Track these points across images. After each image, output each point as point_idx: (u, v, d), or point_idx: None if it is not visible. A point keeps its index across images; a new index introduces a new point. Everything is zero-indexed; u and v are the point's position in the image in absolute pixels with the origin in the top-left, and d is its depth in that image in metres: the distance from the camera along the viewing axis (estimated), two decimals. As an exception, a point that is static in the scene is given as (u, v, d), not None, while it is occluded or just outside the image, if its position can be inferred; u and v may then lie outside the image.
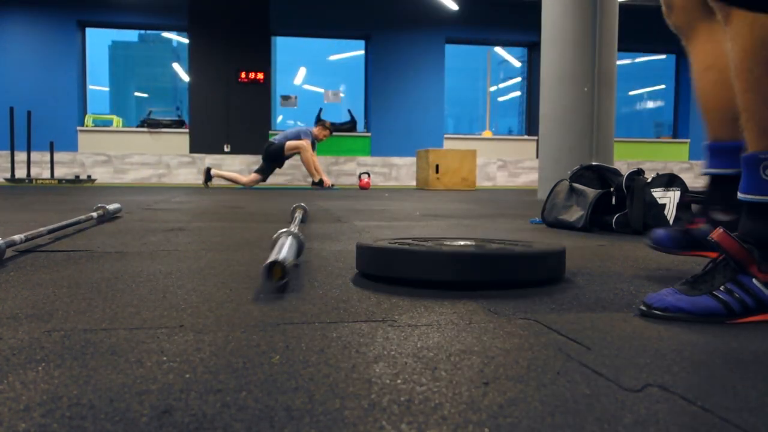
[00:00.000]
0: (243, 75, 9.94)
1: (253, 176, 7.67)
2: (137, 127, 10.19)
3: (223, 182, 8.17)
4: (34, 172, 9.31)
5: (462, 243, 1.38)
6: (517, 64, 14.63)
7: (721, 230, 0.97)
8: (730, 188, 1.15)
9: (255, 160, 9.23)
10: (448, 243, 1.38)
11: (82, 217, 2.33)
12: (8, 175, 8.98)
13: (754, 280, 0.94)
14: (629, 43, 9.35)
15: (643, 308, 0.98)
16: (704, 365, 0.72)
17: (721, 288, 0.94)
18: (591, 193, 2.46)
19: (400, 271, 1.20)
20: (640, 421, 0.55)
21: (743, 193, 1.00)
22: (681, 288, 0.97)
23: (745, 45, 0.97)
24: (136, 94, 36.20)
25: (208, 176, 7.62)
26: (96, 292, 1.12)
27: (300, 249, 1.43)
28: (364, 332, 0.85)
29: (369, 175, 8.10)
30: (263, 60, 10.07)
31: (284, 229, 1.43)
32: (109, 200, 4.11)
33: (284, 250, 1.22)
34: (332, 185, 8.03)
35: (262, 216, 3.03)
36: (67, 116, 9.77)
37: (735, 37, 0.99)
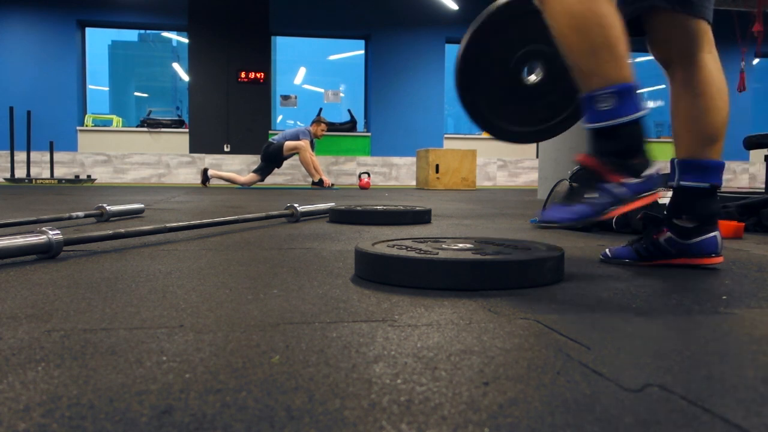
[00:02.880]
0: (243, 75, 9.94)
1: (251, 176, 7.68)
2: (137, 126, 10.18)
3: (222, 182, 8.17)
4: (33, 171, 9.31)
5: (461, 245, 1.38)
6: (517, 64, 14.65)
7: (583, 154, 1.26)
8: (701, 200, 1.43)
9: (255, 160, 9.23)
10: (447, 245, 1.38)
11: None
12: (8, 175, 8.98)
13: (610, 184, 1.24)
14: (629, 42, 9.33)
15: (540, 224, 1.28)
16: (704, 365, 0.72)
17: (590, 196, 1.24)
18: (591, 193, 2.47)
19: (396, 279, 1.20)
20: (640, 421, 0.55)
21: (588, 123, 1.26)
22: (559, 203, 1.28)
23: (558, 17, 1.26)
24: (136, 93, 36.16)
25: (205, 177, 7.63)
26: (96, 292, 1.12)
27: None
28: (364, 332, 0.85)
29: (369, 175, 8.10)
30: (263, 60, 10.07)
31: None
32: (109, 200, 4.12)
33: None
34: (332, 185, 8.03)
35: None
36: (67, 116, 9.76)
37: (551, 15, 1.27)
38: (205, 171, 7.66)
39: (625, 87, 1.23)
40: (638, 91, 1.26)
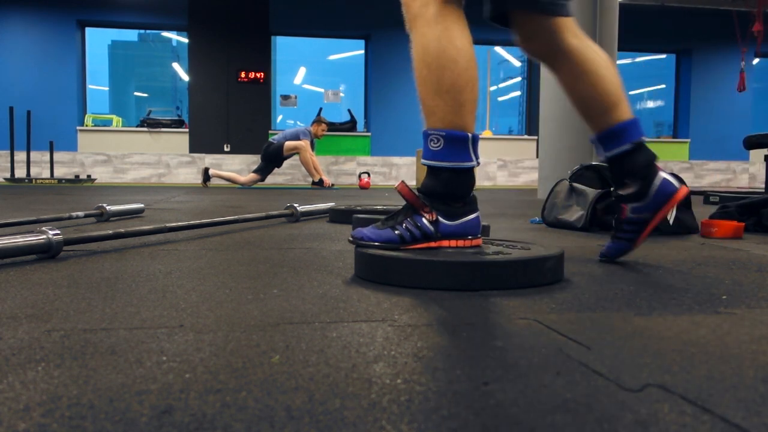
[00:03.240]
0: (243, 75, 9.93)
1: (252, 176, 7.68)
2: (137, 126, 10.18)
3: (223, 182, 8.17)
4: (33, 171, 9.31)
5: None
6: (517, 63, 14.61)
7: (402, 183, 1.33)
8: (632, 160, 1.44)
9: (255, 160, 9.23)
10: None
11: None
12: (8, 175, 8.98)
13: (423, 219, 1.29)
14: (629, 43, 9.34)
15: (350, 239, 1.33)
16: (704, 365, 0.72)
17: (400, 224, 1.30)
18: (591, 192, 2.46)
19: (396, 280, 1.20)
20: (640, 421, 0.55)
21: (423, 158, 1.32)
22: (377, 225, 1.33)
23: (416, 49, 1.31)
24: (136, 93, 36.13)
25: (206, 176, 7.64)
26: (96, 292, 1.12)
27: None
28: (364, 332, 0.85)
29: (369, 175, 8.10)
30: (263, 60, 10.07)
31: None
32: (109, 200, 4.11)
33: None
34: (332, 185, 8.03)
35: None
36: (67, 116, 9.76)
37: (413, 45, 1.32)
38: (206, 170, 7.66)
39: (457, 134, 1.28)
40: (473, 143, 1.31)
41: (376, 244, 1.29)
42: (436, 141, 1.28)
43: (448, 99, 1.28)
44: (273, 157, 7.61)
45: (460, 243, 1.31)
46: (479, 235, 1.35)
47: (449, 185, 1.30)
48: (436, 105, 1.29)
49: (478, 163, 1.32)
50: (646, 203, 1.44)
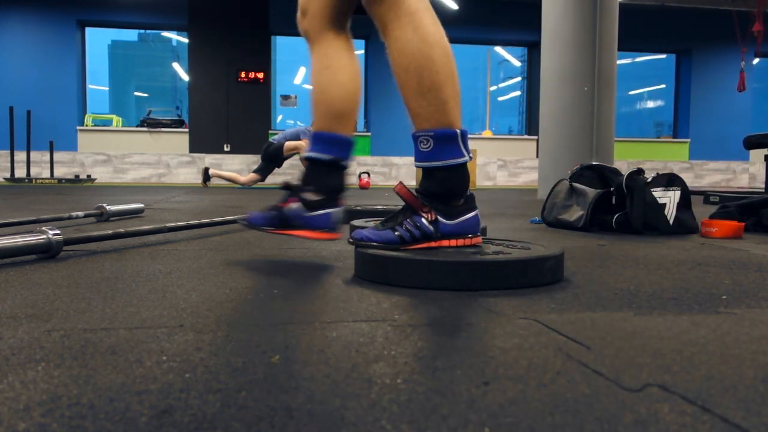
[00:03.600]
0: (243, 75, 9.93)
1: (252, 176, 7.68)
2: (137, 126, 10.18)
3: (223, 182, 8.17)
4: (33, 171, 9.31)
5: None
6: (517, 63, 14.62)
7: (400, 184, 1.32)
8: (323, 172, 1.45)
9: (255, 160, 9.23)
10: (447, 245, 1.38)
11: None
12: (8, 175, 8.98)
13: (422, 219, 1.29)
14: (629, 43, 9.34)
15: (350, 240, 1.34)
16: (704, 365, 0.72)
17: (400, 225, 1.30)
18: (591, 192, 2.46)
19: (396, 280, 1.20)
20: (640, 421, 0.55)
21: (416, 161, 1.33)
22: (376, 226, 1.34)
23: (392, 55, 1.32)
24: (136, 93, 36.12)
25: (206, 176, 7.64)
26: (96, 292, 1.12)
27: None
28: (364, 332, 0.85)
29: (369, 175, 8.11)
30: (263, 60, 10.07)
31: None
32: (109, 200, 4.11)
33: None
34: (332, 185, 8.02)
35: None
36: (67, 116, 9.76)
37: (388, 49, 1.32)
38: (206, 170, 7.67)
39: (445, 133, 1.28)
40: (463, 138, 1.30)
41: (376, 244, 1.29)
42: (425, 142, 1.29)
43: (431, 98, 1.28)
44: (273, 157, 7.61)
45: (460, 242, 1.32)
46: (479, 234, 1.35)
47: (445, 184, 1.30)
48: (419, 106, 1.29)
49: (470, 158, 1.33)
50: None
